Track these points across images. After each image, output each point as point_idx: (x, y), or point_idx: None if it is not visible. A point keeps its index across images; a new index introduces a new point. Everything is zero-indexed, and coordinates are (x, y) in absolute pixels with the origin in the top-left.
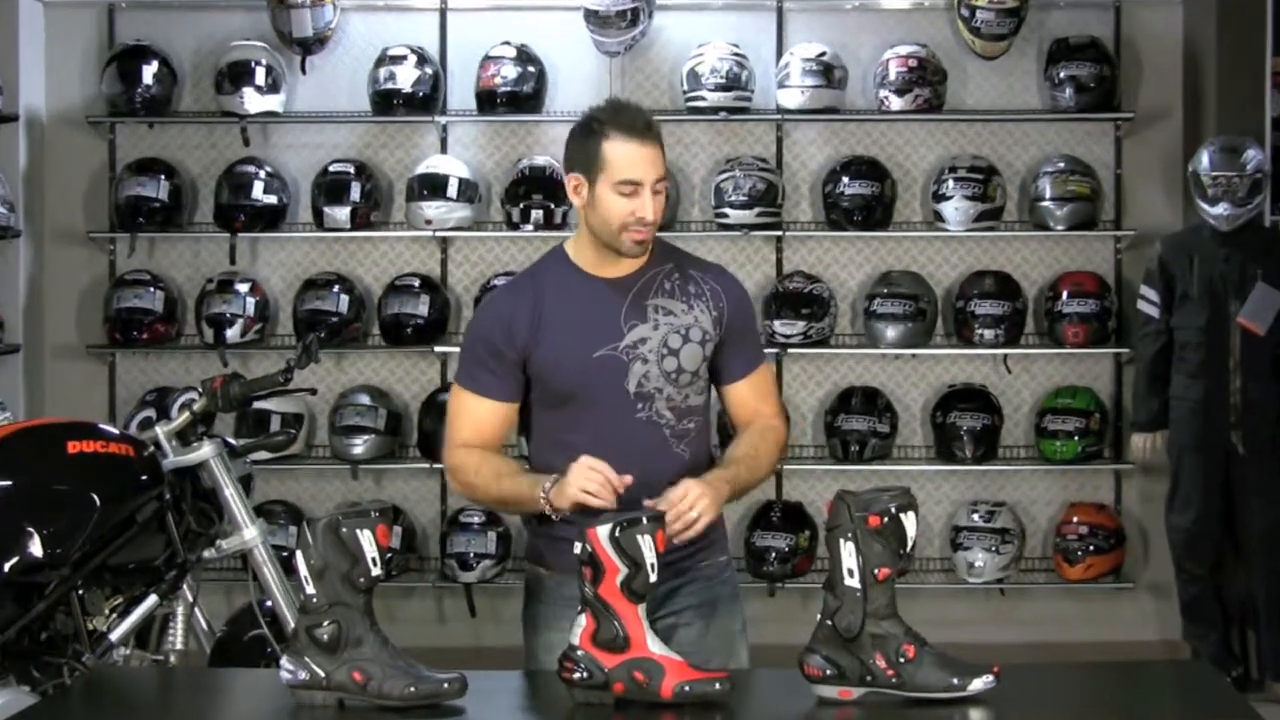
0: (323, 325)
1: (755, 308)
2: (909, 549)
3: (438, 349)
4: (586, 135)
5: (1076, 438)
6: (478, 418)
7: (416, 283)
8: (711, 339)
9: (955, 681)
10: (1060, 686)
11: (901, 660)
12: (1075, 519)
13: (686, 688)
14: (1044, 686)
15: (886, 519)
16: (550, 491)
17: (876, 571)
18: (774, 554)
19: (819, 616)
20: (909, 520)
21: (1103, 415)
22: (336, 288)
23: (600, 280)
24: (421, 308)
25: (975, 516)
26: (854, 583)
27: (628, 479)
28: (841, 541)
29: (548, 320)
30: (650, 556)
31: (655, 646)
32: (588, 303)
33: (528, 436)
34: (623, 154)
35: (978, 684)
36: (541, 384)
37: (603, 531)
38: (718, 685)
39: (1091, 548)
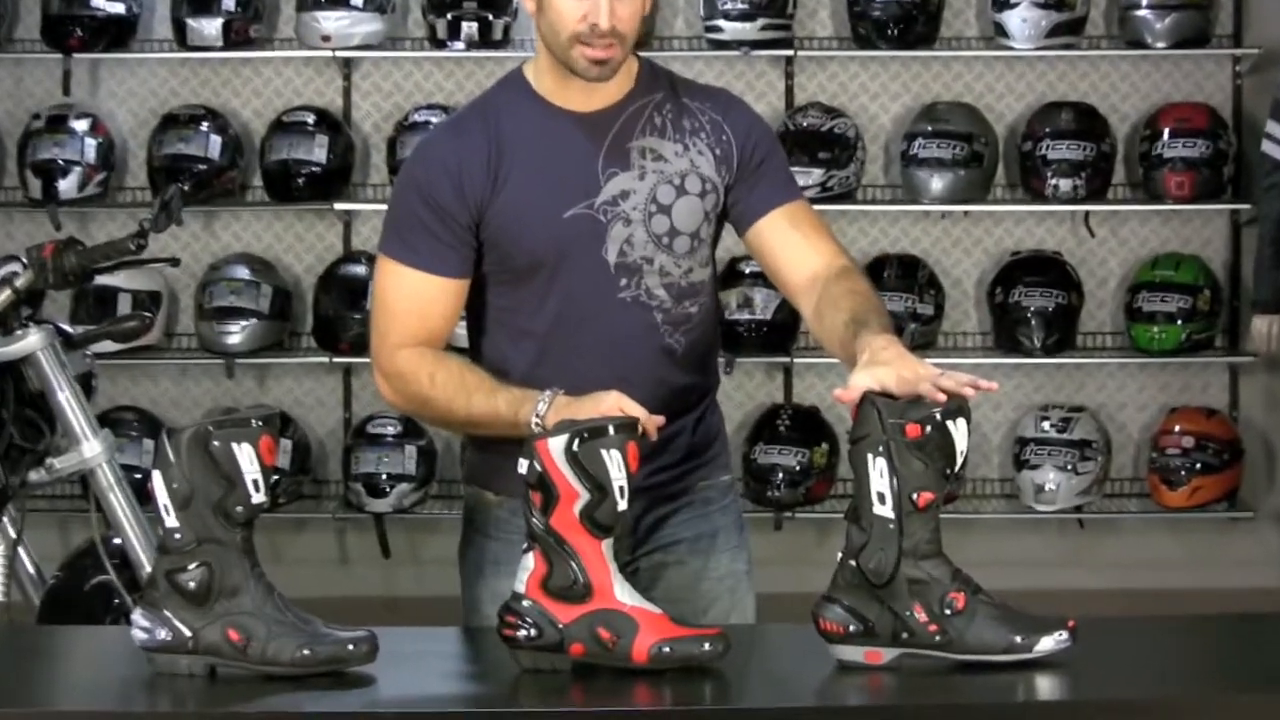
0: (187, 175)
1: None
2: (959, 467)
3: (340, 206)
4: None
5: (1179, 322)
6: (423, 303)
7: (311, 119)
8: (715, 189)
9: (1018, 640)
10: (1155, 647)
11: (948, 612)
12: (1177, 429)
13: (666, 649)
14: (1134, 647)
15: (930, 428)
16: (546, 414)
17: (916, 497)
18: (781, 474)
19: (840, 556)
20: (959, 430)
21: (1214, 292)
22: (205, 126)
23: (569, 115)
24: (318, 152)
25: (1046, 425)
26: (886, 511)
27: (659, 420)
28: (870, 458)
29: (508, 168)
30: (619, 477)
31: (625, 595)
32: (554, 145)
33: (474, 324)
34: None
35: (1047, 643)
36: (497, 254)
37: (556, 444)
38: (706, 645)
39: (1199, 466)
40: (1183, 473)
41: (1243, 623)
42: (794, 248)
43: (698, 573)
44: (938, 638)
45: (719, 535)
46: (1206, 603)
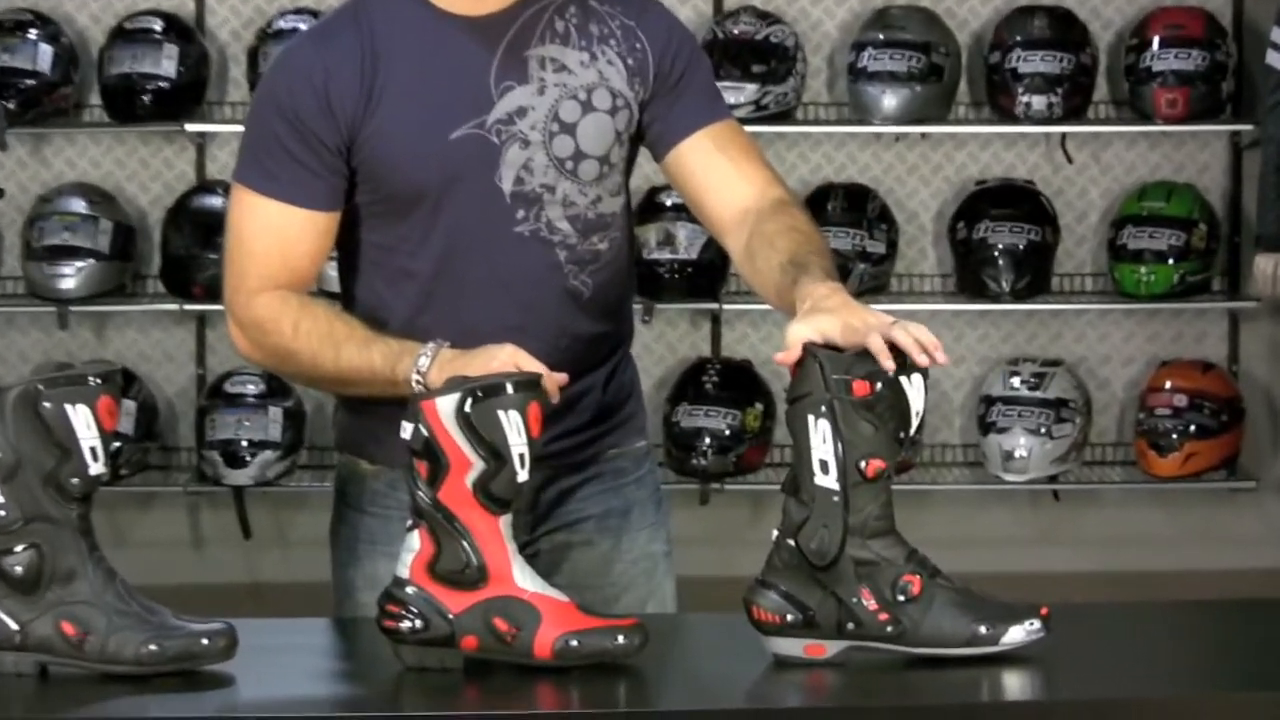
0: (12, 92)
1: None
2: (914, 431)
3: (192, 127)
4: None
5: (1171, 262)
6: (285, 240)
7: (158, 26)
8: (628, 105)
9: (982, 631)
10: (1142, 638)
11: (901, 599)
12: (1168, 385)
13: (573, 642)
14: (1117, 638)
15: (880, 384)
16: (429, 370)
17: (864, 465)
18: (708, 440)
19: (776, 534)
20: (914, 387)
21: (1211, 227)
22: (33, 34)
23: (456, 20)
24: (166, 64)
25: (1016, 382)
26: (830, 482)
27: (562, 378)
28: (811, 420)
29: (384, 82)
30: (518, 442)
31: (526, 580)
32: (438, 55)
33: (345, 265)
34: None
35: (1016, 634)
36: (372, 182)
37: (445, 405)
38: (620, 638)
39: (1193, 429)
40: (1174, 436)
41: (1244, 610)
42: (720, 176)
43: (608, 554)
44: (889, 628)
45: (633, 511)
46: (1202, 587)
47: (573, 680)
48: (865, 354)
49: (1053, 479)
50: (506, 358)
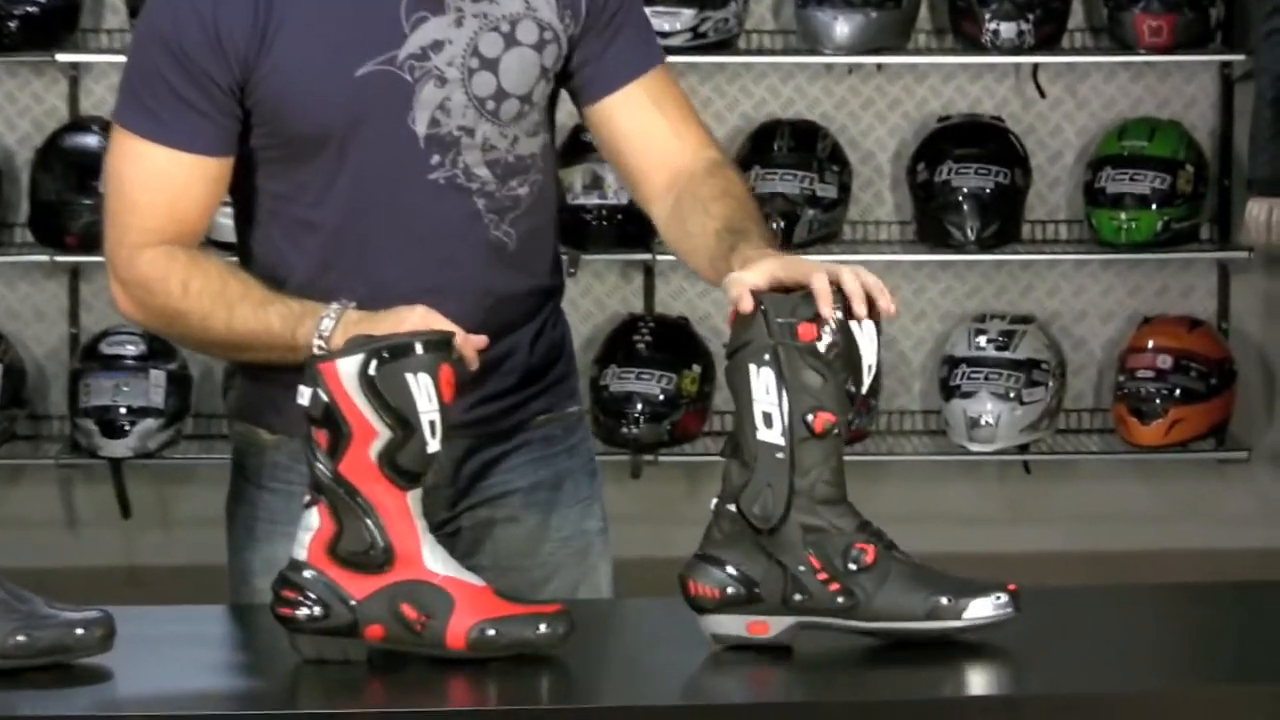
0: None
1: None
2: (865, 386)
3: (64, 57)
4: None
5: (1154, 207)
6: (172, 188)
7: None
8: (556, 39)
9: (944, 603)
10: (1121, 624)
11: (853, 568)
12: (1151, 344)
13: (490, 631)
14: (1094, 624)
15: (829, 329)
16: (333, 333)
17: (811, 418)
18: (640, 406)
19: (715, 503)
20: (866, 335)
21: (1199, 169)
22: None
23: None
24: None
25: (983, 341)
26: (774, 437)
27: (480, 340)
28: (753, 369)
29: (281, 12)
30: (429, 408)
31: (438, 562)
32: None
33: (240, 216)
34: None
35: (981, 607)
36: (269, 124)
37: (347, 367)
38: (543, 627)
39: (1178, 393)
40: (1158, 401)
41: (1235, 594)
42: (652, 134)
43: (536, 532)
44: (840, 599)
45: (565, 484)
46: (1188, 568)
47: (490, 674)
48: (813, 296)
49: (1023, 449)
50: (418, 320)
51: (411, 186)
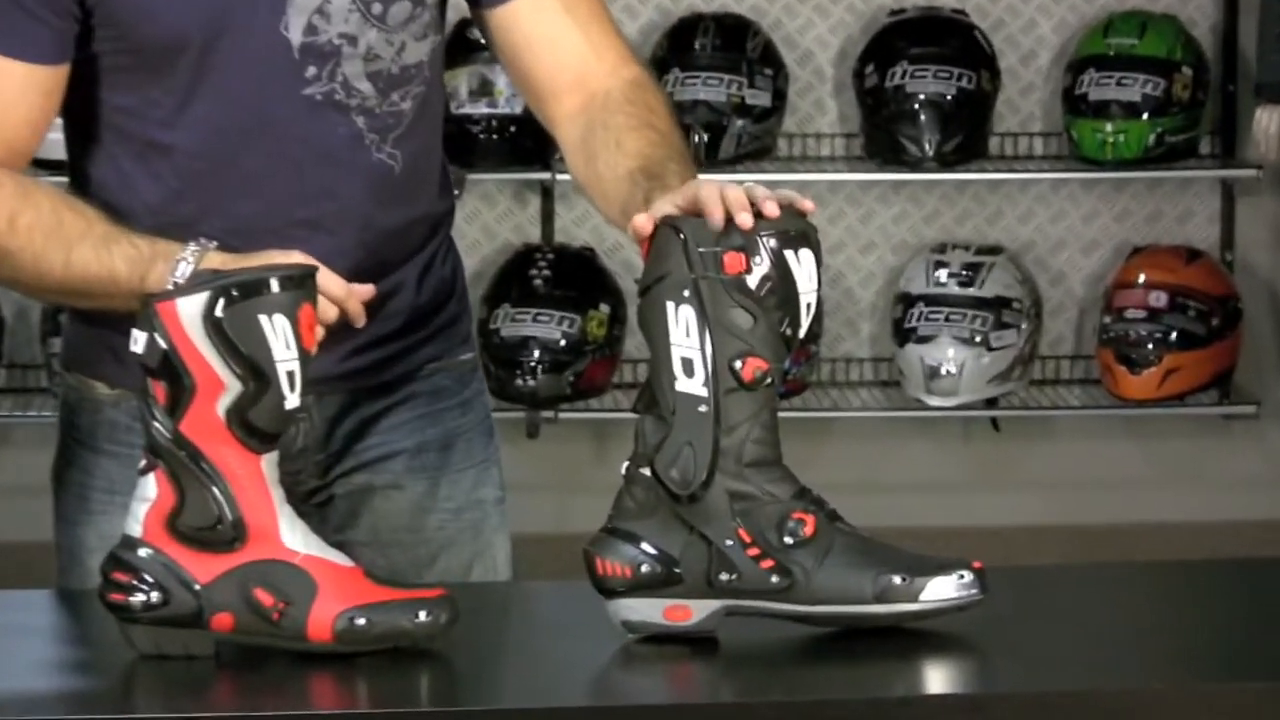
0: None
1: None
2: (804, 328)
3: None
4: None
5: (1146, 117)
6: None
7: None
8: None
9: (896, 582)
10: (1107, 609)
11: (789, 541)
12: (1142, 279)
13: (360, 620)
14: (1074, 609)
15: (759, 258)
16: (187, 278)
17: (739, 365)
18: (538, 353)
19: (626, 467)
20: (803, 267)
21: (1198, 72)
22: None
23: None
24: None
25: (943, 276)
26: (694, 387)
27: (367, 290)
28: (671, 307)
29: None
30: (287, 356)
31: (297, 539)
32: None
33: (76, 137)
34: None
35: (941, 587)
36: (114, 29)
37: (189, 307)
38: (422, 614)
39: (1174, 337)
40: (1150, 347)
41: (1240, 572)
42: (561, 45)
43: (421, 502)
44: (774, 579)
45: (456, 445)
46: (1186, 543)
47: (360, 671)
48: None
49: (991, 403)
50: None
51: (282, 103)
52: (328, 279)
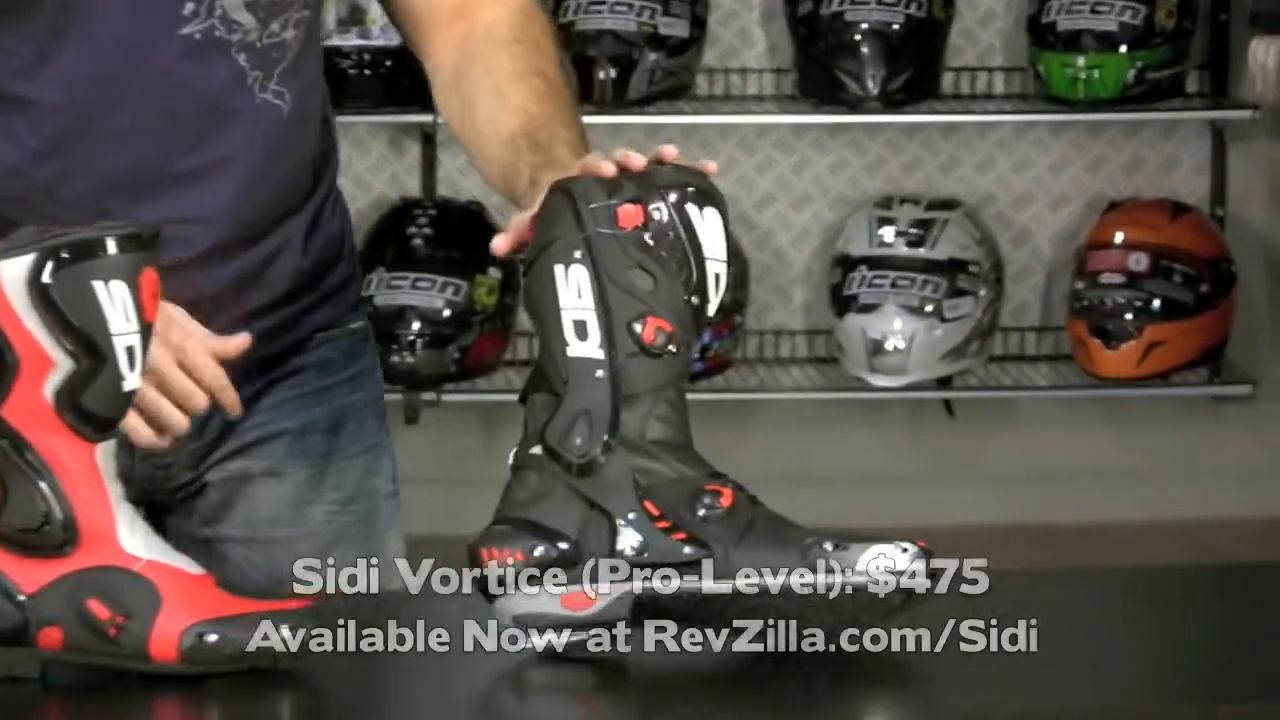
0: None
1: None
2: (717, 295)
3: None
4: None
5: (1124, 49)
6: None
7: None
8: None
9: (828, 548)
10: (1079, 618)
11: (702, 513)
12: (1120, 239)
13: (211, 636)
14: (1041, 619)
15: (658, 214)
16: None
17: (639, 327)
18: (418, 324)
19: (514, 453)
20: (709, 226)
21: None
22: None
23: None
24: None
25: (889, 235)
26: (589, 350)
27: (242, 340)
28: (561, 271)
29: None
30: (127, 329)
31: (138, 542)
32: None
33: None
34: None
35: (881, 557)
36: None
37: (12, 271)
38: (283, 630)
39: (1156, 305)
40: (1129, 317)
41: (1231, 578)
42: None
43: (304, 492)
44: (687, 549)
45: (346, 426)
46: (1171, 543)
47: (210, 695)
48: (642, 175)
49: (944, 383)
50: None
51: (158, 47)
52: (195, 346)
